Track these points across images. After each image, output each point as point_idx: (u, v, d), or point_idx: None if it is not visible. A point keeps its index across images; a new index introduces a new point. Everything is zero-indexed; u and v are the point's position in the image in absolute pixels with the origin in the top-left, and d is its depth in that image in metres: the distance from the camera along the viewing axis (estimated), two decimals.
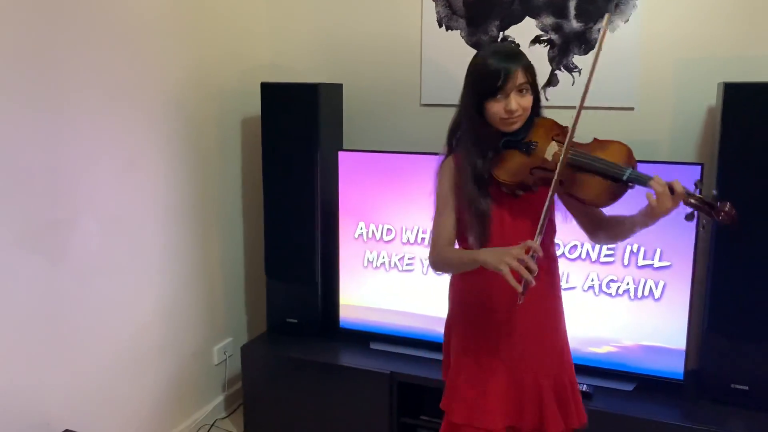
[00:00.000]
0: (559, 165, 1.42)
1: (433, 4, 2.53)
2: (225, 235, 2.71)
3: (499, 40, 2.45)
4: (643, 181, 1.35)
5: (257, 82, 2.54)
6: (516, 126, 1.50)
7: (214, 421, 2.66)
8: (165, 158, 2.32)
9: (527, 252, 1.31)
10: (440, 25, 2.53)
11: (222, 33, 2.58)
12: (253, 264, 2.86)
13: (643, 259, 2.11)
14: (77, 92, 1.93)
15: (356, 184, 2.46)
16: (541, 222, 1.41)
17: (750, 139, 1.95)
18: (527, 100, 1.48)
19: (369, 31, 2.67)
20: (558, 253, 2.20)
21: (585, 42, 2.35)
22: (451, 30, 2.52)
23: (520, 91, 1.46)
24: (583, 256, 2.18)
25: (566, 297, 2.18)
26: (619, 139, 1.46)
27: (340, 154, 2.47)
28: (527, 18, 2.40)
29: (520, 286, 1.32)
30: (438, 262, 1.57)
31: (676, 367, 2.10)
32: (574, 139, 1.47)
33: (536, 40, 2.41)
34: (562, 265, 2.20)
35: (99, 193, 2.05)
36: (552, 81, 2.41)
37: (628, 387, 2.16)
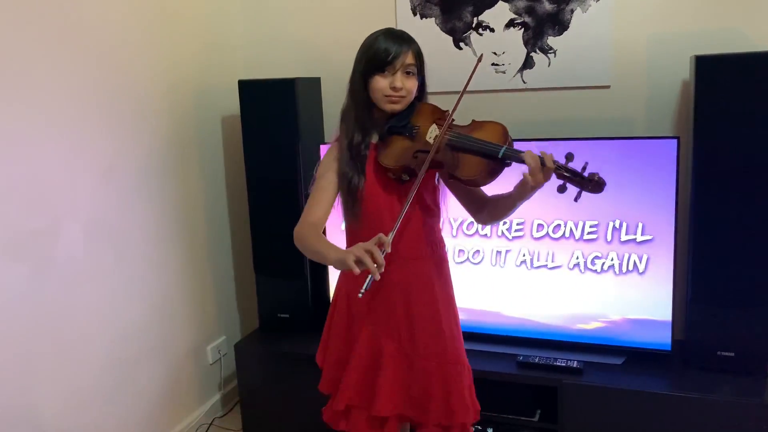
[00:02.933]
0: (433, 144, 1.47)
1: None
2: (212, 233, 2.71)
3: (473, 25, 2.46)
4: (517, 156, 1.40)
5: (235, 79, 2.53)
6: (398, 107, 1.53)
7: (213, 420, 2.67)
8: (145, 160, 2.31)
9: (379, 246, 1.30)
10: (414, 14, 2.54)
11: (196, 32, 2.56)
12: (242, 261, 2.86)
13: (626, 234, 2.14)
14: (51, 99, 1.92)
15: None
16: (405, 204, 1.42)
17: (724, 111, 1.97)
18: (412, 83, 1.53)
19: (344, 23, 2.67)
20: (541, 233, 2.24)
21: (558, 23, 2.36)
22: (426, 18, 2.53)
23: (407, 72, 1.51)
24: (567, 234, 2.21)
25: (552, 275, 2.24)
26: (496, 120, 1.50)
27: (322, 147, 2.48)
28: (500, 2, 2.41)
29: (366, 279, 1.29)
30: (297, 239, 1.52)
31: (663, 338, 2.14)
32: (457, 122, 1.52)
33: (510, 23, 2.42)
34: (547, 245, 2.24)
35: (80, 199, 2.04)
36: (528, 63, 2.43)
37: (618, 361, 2.20)
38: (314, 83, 2.62)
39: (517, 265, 2.28)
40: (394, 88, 1.50)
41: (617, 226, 2.15)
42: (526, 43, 2.41)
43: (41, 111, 1.89)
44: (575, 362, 2.16)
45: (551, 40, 2.39)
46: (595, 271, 2.20)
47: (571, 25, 2.35)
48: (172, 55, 2.42)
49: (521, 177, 1.39)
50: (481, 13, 2.45)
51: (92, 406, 2.10)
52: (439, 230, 1.67)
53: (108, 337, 2.16)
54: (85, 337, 2.06)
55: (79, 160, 2.03)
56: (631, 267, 2.15)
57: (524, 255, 2.27)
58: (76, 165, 2.02)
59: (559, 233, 2.22)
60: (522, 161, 1.38)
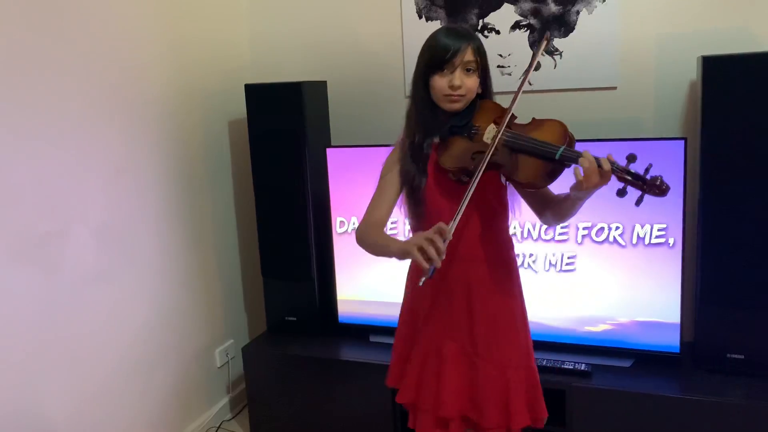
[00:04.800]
0: (489, 146, 1.41)
1: None
2: (219, 237, 2.72)
3: (479, 27, 2.46)
4: (574, 158, 1.34)
5: (241, 83, 2.54)
6: (457, 105, 1.49)
7: (221, 423, 2.68)
8: (153, 164, 2.33)
9: (439, 234, 1.29)
10: (420, 16, 2.54)
11: (203, 36, 2.58)
12: (250, 264, 2.87)
13: (634, 236, 2.13)
14: (60, 103, 1.94)
15: (346, 180, 2.47)
16: (461, 205, 1.38)
17: (731, 111, 1.96)
18: (472, 81, 1.48)
19: (349, 27, 2.67)
20: (549, 236, 2.23)
21: (564, 24, 2.36)
22: (431, 20, 2.53)
23: (467, 70, 1.46)
24: (575, 237, 2.20)
25: (560, 277, 2.23)
26: (557, 119, 1.44)
27: (329, 150, 2.48)
28: (506, 4, 2.41)
29: (427, 266, 1.29)
30: (359, 239, 1.55)
31: (672, 340, 2.12)
32: (517, 121, 1.47)
33: (516, 25, 2.42)
34: (555, 247, 2.23)
35: (90, 203, 2.06)
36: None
37: (626, 363, 2.19)
38: (321, 87, 2.62)
39: (524, 268, 2.28)
40: (452, 87, 1.45)
41: (626, 228, 2.14)
42: (531, 45, 2.41)
43: (50, 115, 1.90)
44: (583, 365, 2.15)
45: (557, 42, 2.38)
46: (603, 272, 2.18)
47: (577, 27, 2.34)
48: (179, 60, 2.44)
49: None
50: (486, 15, 2.45)
51: (101, 409, 2.11)
52: (506, 230, 1.62)
53: (116, 340, 2.17)
54: (94, 340, 2.08)
55: (88, 164, 2.05)
56: (639, 268, 2.14)
57: (532, 257, 2.27)
58: (85, 169, 2.04)
59: (568, 236, 2.21)
60: (578, 162, 1.33)
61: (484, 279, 1.57)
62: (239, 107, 2.61)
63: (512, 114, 1.48)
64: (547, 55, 2.40)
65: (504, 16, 2.42)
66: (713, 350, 2.09)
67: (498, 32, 2.44)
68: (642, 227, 2.11)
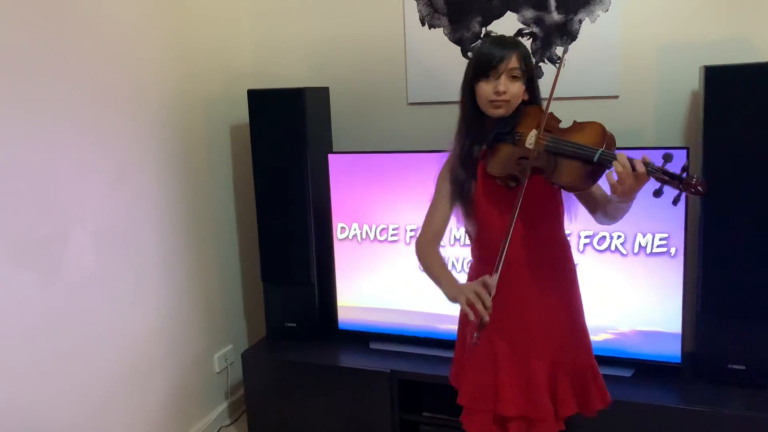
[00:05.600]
0: (532, 151, 1.43)
1: (415, 3, 2.54)
2: (220, 242, 2.71)
3: (482, 36, 2.47)
4: (611, 161, 1.35)
5: (243, 89, 2.55)
6: (501, 111, 1.51)
7: (219, 429, 2.67)
8: (155, 169, 2.33)
9: (484, 288, 1.33)
10: (423, 24, 2.55)
11: (205, 42, 2.58)
12: (250, 270, 2.86)
13: (636, 245, 2.12)
14: (62, 106, 1.94)
15: (348, 186, 2.47)
16: (508, 230, 1.41)
17: (733, 121, 1.96)
18: (517, 87, 1.50)
19: (352, 34, 2.68)
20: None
21: (567, 33, 2.36)
22: (434, 28, 2.53)
23: (513, 77, 1.49)
24: (577, 245, 2.19)
25: None
26: (597, 121, 1.45)
27: (330, 156, 2.49)
28: (508, 12, 2.42)
29: (475, 319, 1.32)
30: (418, 255, 1.59)
31: (673, 350, 2.12)
32: (561, 125, 1.49)
33: (518, 33, 2.42)
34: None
35: (90, 207, 2.05)
36: (536, 73, 2.42)
37: (627, 373, 2.18)
38: (323, 93, 2.63)
39: None
40: (497, 92, 1.48)
41: (627, 237, 2.13)
42: (534, 53, 2.41)
43: (52, 119, 1.90)
44: None
45: (559, 50, 2.38)
46: (604, 281, 2.18)
47: (579, 35, 2.35)
48: (181, 65, 2.44)
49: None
50: (489, 23, 2.46)
51: (99, 414, 2.10)
52: (559, 231, 1.62)
53: (116, 344, 2.17)
54: (93, 344, 2.07)
55: (90, 169, 2.05)
56: (640, 278, 2.13)
57: None
58: (87, 173, 2.04)
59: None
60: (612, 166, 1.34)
61: (536, 280, 1.57)
62: (241, 113, 2.62)
63: (556, 118, 1.51)
64: (549, 63, 2.40)
65: (507, 25, 2.42)
66: (714, 361, 2.09)
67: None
68: (644, 236, 2.11)
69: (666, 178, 1.28)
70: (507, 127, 1.52)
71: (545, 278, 1.58)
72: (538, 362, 1.56)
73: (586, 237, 2.18)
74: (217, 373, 2.70)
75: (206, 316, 2.64)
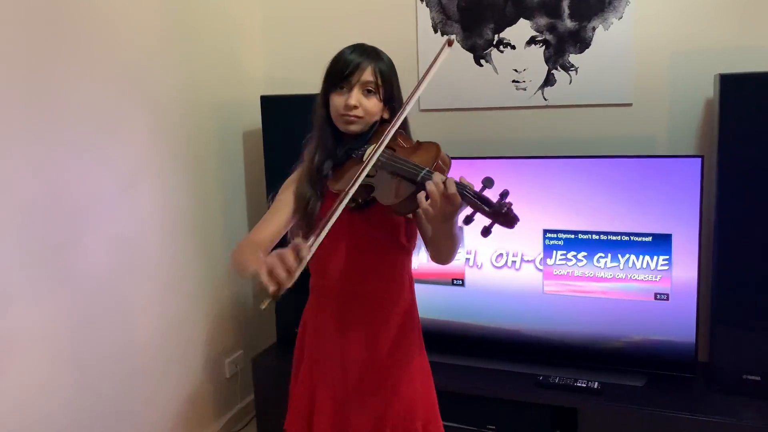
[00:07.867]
0: (363, 164, 1.29)
1: (428, 10, 2.55)
2: (231, 247, 2.70)
3: (494, 42, 2.47)
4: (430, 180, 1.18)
5: (256, 95, 2.56)
6: (353, 127, 1.38)
7: None
8: (167, 175, 2.34)
9: (294, 251, 1.14)
10: (435, 31, 2.55)
11: (218, 48, 2.60)
12: None
13: (651, 254, 2.11)
14: (77, 113, 1.95)
15: None
16: (323, 224, 1.23)
17: (748, 129, 1.95)
18: (372, 103, 1.37)
19: (365, 40, 2.65)
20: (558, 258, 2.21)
21: (580, 41, 2.36)
22: (447, 35, 2.54)
23: (368, 91, 1.37)
24: (589, 254, 2.19)
25: (576, 296, 2.21)
26: (435, 141, 1.32)
27: None
28: (521, 20, 2.42)
29: (273, 288, 1.12)
30: (232, 258, 1.38)
31: (686, 360, 2.10)
32: (400, 144, 1.37)
33: (532, 41, 2.43)
34: (575, 268, 2.21)
35: (102, 213, 2.06)
36: (549, 81, 2.42)
37: (639, 382, 2.16)
38: None
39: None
40: (347, 107, 1.35)
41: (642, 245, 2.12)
42: (547, 61, 2.41)
43: (65, 125, 1.92)
44: (596, 383, 2.12)
45: (573, 58, 2.38)
46: (617, 290, 2.16)
47: (593, 43, 2.34)
48: (194, 71, 2.46)
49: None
50: (502, 30, 2.46)
51: (110, 419, 2.11)
52: (401, 269, 1.46)
53: (126, 349, 2.17)
54: (104, 349, 2.08)
55: (103, 175, 2.06)
56: (654, 287, 2.12)
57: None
58: (100, 179, 2.05)
59: (583, 253, 2.19)
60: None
61: (365, 320, 1.43)
62: (254, 119, 2.63)
63: (406, 137, 1.39)
64: (562, 71, 2.40)
65: (520, 32, 2.43)
66: (729, 371, 2.06)
67: (513, 47, 2.44)
68: (659, 247, 2.09)
69: (478, 202, 1.13)
70: (360, 143, 1.40)
71: (375, 318, 1.43)
72: (359, 418, 1.42)
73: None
74: (228, 378, 2.71)
75: (217, 321, 2.64)
